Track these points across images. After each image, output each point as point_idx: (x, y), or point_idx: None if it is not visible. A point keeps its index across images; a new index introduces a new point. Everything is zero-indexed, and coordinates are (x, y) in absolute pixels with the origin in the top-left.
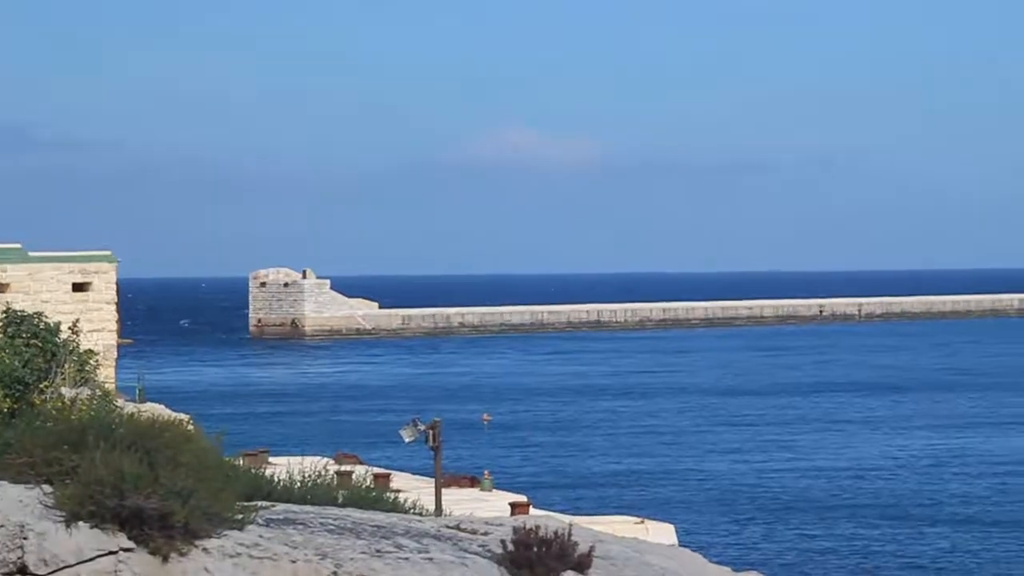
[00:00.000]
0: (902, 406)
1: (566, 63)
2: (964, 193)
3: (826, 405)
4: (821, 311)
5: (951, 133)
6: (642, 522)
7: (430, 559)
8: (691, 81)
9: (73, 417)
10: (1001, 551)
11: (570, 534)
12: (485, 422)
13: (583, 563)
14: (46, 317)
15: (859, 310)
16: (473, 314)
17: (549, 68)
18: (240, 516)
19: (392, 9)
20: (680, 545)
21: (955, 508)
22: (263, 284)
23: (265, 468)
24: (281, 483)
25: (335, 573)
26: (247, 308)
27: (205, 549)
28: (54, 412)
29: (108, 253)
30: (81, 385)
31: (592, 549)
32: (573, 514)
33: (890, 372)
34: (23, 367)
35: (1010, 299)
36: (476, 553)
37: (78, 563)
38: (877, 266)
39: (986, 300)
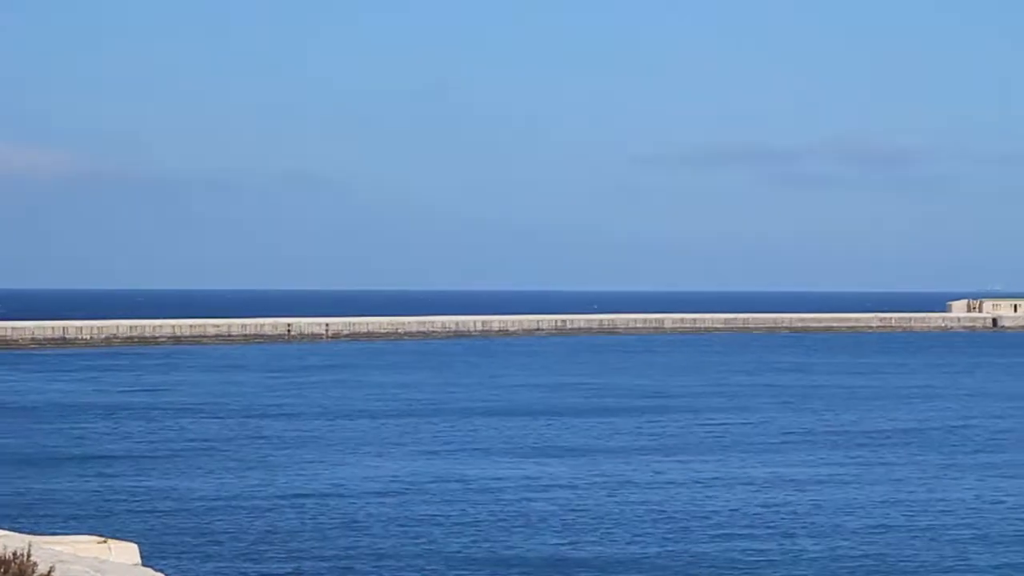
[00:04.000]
0: (385, 429)
1: (36, 74)
2: (440, 212)
3: (302, 426)
4: (289, 330)
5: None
6: (105, 541)
7: None
8: (149, 94)
9: None
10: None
11: (29, 554)
12: None
13: None
14: None
15: (326, 329)
16: None
17: (22, 80)
18: None
19: None
20: (145, 565)
21: (421, 529)
22: None
23: None
24: None
25: None
26: None
27: None
28: None
29: None
30: None
31: (52, 570)
32: (33, 534)
33: (372, 394)
34: None
35: (501, 320)
36: None
37: None
38: (354, 286)
39: (469, 321)
